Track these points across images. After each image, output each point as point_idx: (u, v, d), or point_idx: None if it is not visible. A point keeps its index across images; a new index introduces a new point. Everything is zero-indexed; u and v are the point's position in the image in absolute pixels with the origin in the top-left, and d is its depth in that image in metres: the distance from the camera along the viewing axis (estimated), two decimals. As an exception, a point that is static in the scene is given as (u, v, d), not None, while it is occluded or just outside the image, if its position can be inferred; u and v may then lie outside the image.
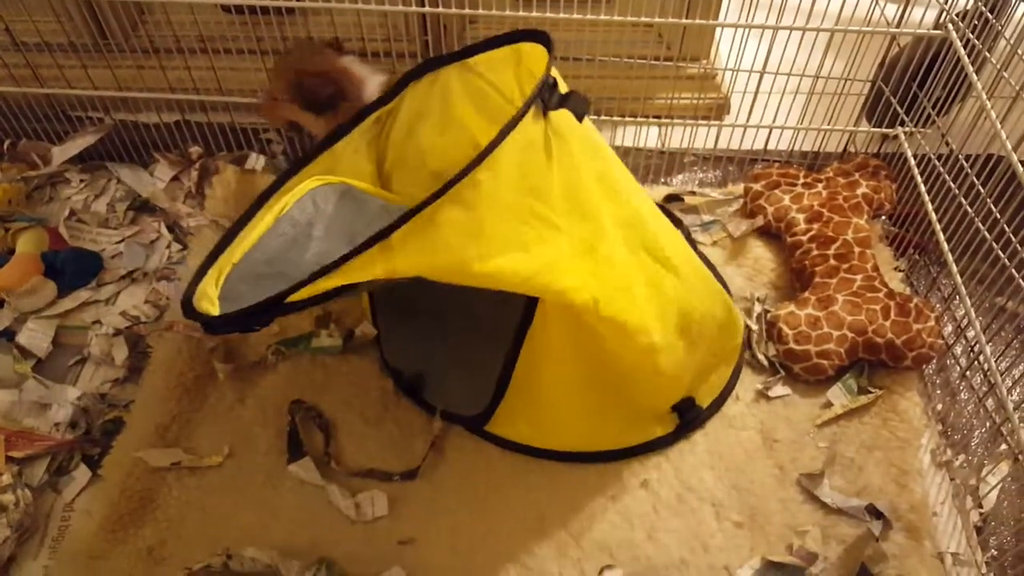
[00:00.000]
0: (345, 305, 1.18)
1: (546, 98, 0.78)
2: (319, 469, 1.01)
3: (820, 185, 1.26)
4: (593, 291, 0.84)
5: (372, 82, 1.09)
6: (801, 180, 1.27)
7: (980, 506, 1.03)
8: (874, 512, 0.98)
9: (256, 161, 1.40)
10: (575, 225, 0.84)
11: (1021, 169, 0.98)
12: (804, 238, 1.19)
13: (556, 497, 1.01)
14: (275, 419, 1.07)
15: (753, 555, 0.96)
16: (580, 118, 0.84)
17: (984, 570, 0.97)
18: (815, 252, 1.16)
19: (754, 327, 1.15)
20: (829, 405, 1.09)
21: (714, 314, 1.04)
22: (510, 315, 0.87)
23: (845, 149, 1.43)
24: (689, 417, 1.05)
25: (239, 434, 1.06)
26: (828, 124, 1.36)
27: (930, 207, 1.18)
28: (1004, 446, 1.07)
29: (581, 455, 1.03)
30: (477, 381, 1.00)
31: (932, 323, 1.09)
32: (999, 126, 1.04)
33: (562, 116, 0.81)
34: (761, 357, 1.13)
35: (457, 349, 1.02)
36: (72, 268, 1.25)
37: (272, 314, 0.72)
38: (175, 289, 1.23)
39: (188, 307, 0.77)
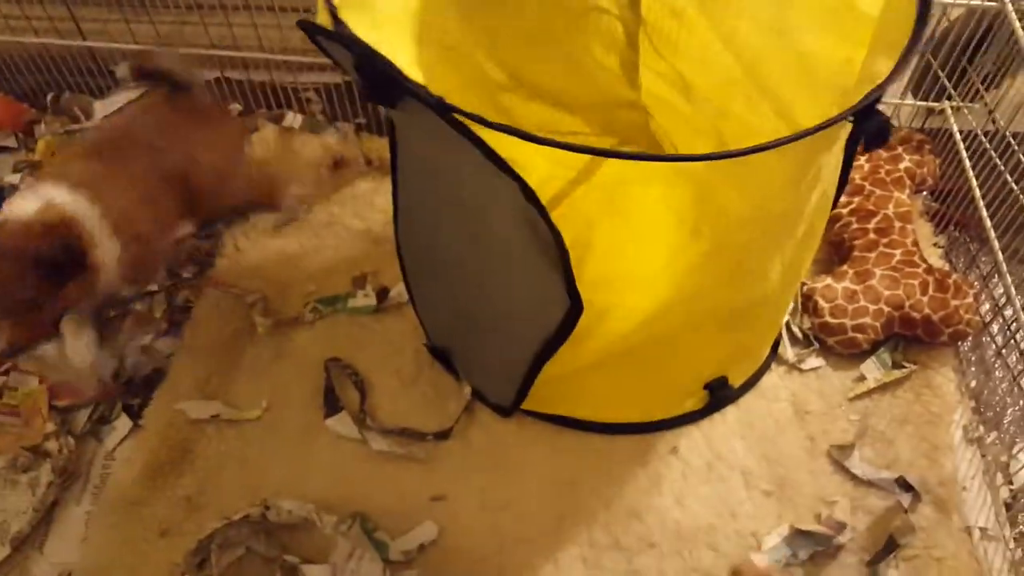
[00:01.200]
0: (380, 266, 1.19)
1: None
2: (355, 424, 1.03)
3: (863, 158, 1.24)
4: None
5: None
6: (842, 152, 1.26)
7: (1010, 483, 1.03)
8: (904, 485, 0.99)
9: (294, 119, 1.40)
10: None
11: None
12: (844, 211, 1.17)
13: (585, 462, 1.02)
14: (312, 376, 1.09)
15: (781, 523, 0.97)
16: None
17: (1012, 545, 0.97)
18: (855, 225, 1.15)
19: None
20: (862, 378, 1.09)
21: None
22: (549, 314, 0.82)
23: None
24: (720, 395, 1.05)
25: (277, 389, 1.08)
26: (872, 96, 1.33)
27: (974, 183, 1.16)
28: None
29: (610, 426, 1.04)
30: (504, 373, 0.99)
31: (970, 300, 1.07)
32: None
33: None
34: (796, 329, 1.12)
35: (486, 336, 0.99)
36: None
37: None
38: (216, 247, 1.24)
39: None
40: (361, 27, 0.73)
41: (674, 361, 0.98)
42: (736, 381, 1.06)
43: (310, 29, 0.68)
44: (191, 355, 1.12)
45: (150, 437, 1.04)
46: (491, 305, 0.91)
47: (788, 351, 1.11)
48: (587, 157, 0.62)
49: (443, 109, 0.64)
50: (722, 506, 0.99)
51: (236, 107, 1.43)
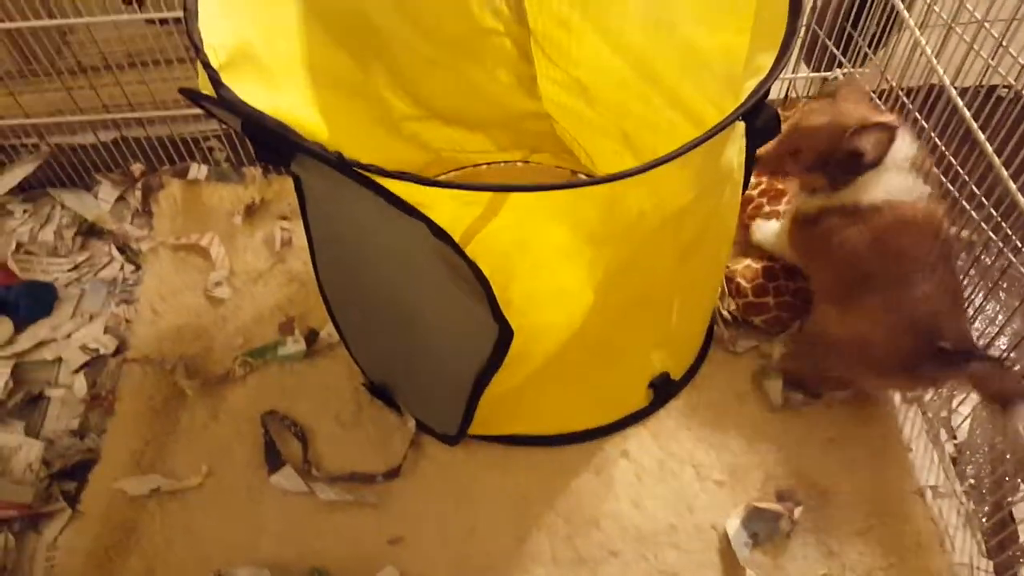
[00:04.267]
0: (306, 308, 1.17)
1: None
2: (300, 477, 1.01)
3: (768, 137, 1.26)
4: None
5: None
6: (749, 133, 1.28)
7: (954, 437, 1.06)
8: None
9: (199, 171, 1.37)
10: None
11: (955, 93, 0.99)
12: (754, 192, 1.19)
13: (539, 477, 1.02)
14: (250, 432, 1.06)
15: (738, 510, 0.98)
16: None
17: (964, 499, 0.99)
18: (766, 208, 1.17)
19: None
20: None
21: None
22: (481, 342, 0.81)
23: (787, 96, 1.43)
24: (664, 391, 1.05)
25: (216, 452, 1.05)
26: (770, 74, 1.35)
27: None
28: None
29: (559, 437, 1.04)
30: (446, 403, 0.98)
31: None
32: (933, 59, 1.05)
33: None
34: (725, 313, 1.14)
35: (423, 369, 0.98)
36: (26, 302, 1.22)
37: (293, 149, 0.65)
38: (134, 313, 1.20)
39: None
40: (250, 84, 0.71)
41: (614, 367, 0.99)
42: (677, 374, 1.07)
43: (192, 96, 0.66)
44: (123, 431, 1.08)
45: (91, 522, 1.00)
46: (423, 339, 0.90)
47: (723, 335, 1.12)
48: (489, 193, 0.62)
49: (342, 165, 0.63)
50: (679, 503, 0.99)
51: (139, 167, 1.39)
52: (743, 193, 0.96)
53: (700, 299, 1.01)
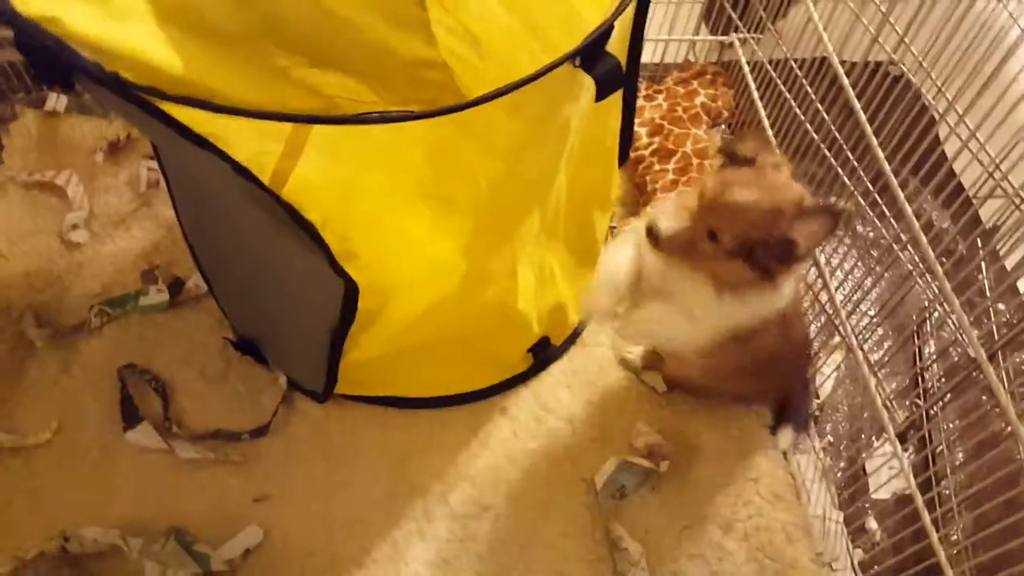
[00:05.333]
0: (172, 257, 1.10)
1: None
2: (159, 434, 0.96)
3: (660, 97, 1.26)
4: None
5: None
6: (642, 92, 1.27)
7: (817, 396, 1.10)
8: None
9: (58, 101, 1.25)
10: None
11: (842, 69, 1.01)
12: (646, 152, 1.19)
13: (416, 438, 1.00)
14: (106, 387, 0.99)
15: (608, 464, 0.99)
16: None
17: (821, 456, 1.04)
18: (656, 167, 1.17)
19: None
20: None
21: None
22: (330, 296, 0.77)
23: (686, 59, 1.44)
24: (544, 356, 1.05)
25: (67, 407, 0.98)
26: (666, 34, 1.35)
27: (763, 112, 1.21)
28: (837, 337, 1.14)
29: (438, 399, 1.02)
30: (308, 358, 0.94)
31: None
32: (821, 29, 1.06)
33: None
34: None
35: (283, 322, 0.93)
36: None
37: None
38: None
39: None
40: (83, 8, 0.64)
41: (490, 332, 0.97)
42: (559, 339, 1.07)
43: None
44: (-39, 382, 0.99)
45: (-76, 481, 0.92)
46: (281, 294, 0.85)
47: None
48: (289, 127, 0.58)
49: (119, 85, 0.56)
50: (553, 458, 1.00)
51: (-13, 93, 1.26)
52: (628, 150, 0.96)
53: (573, 260, 1.00)
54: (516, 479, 0.98)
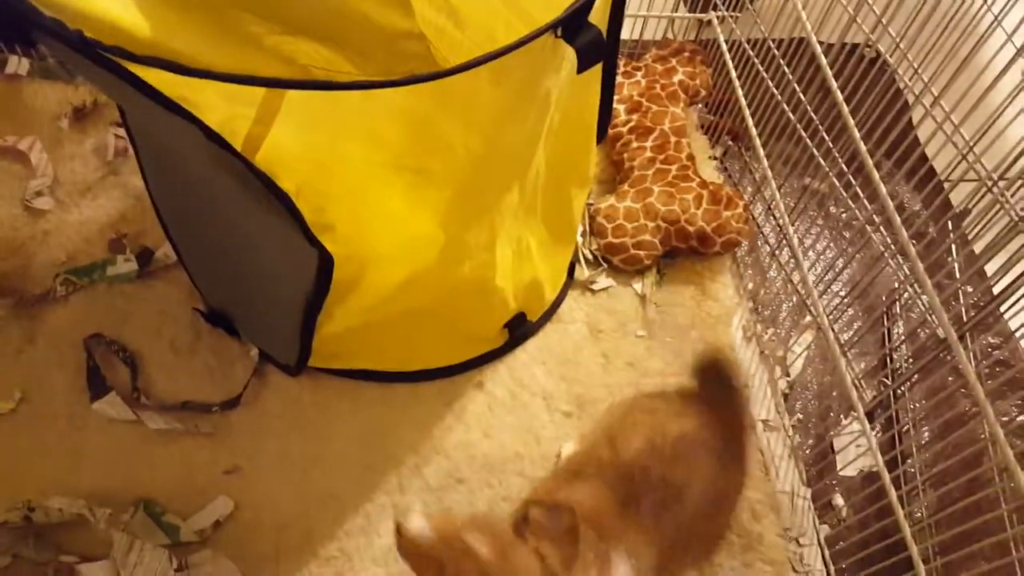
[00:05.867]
0: (142, 227, 1.07)
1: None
2: (127, 404, 0.94)
3: (639, 74, 1.25)
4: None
5: None
6: (621, 69, 1.26)
7: (787, 374, 1.12)
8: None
9: (19, 65, 1.21)
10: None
11: (820, 49, 1.01)
12: (624, 129, 1.19)
13: (390, 411, 0.99)
14: (72, 357, 0.97)
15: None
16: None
17: (791, 432, 1.06)
18: (634, 144, 1.17)
19: (579, 222, 1.16)
20: (646, 294, 1.12)
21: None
22: (304, 267, 0.76)
23: (664, 36, 1.43)
24: (520, 332, 1.05)
25: (32, 377, 0.96)
26: (645, 10, 1.34)
27: (740, 92, 1.21)
28: (808, 317, 1.15)
29: (412, 374, 1.01)
30: (281, 330, 0.93)
31: (740, 210, 1.13)
32: (800, 9, 1.07)
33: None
34: (586, 251, 1.14)
35: (256, 293, 0.92)
36: None
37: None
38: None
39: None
40: None
41: (466, 307, 0.96)
42: (534, 315, 1.06)
43: None
44: (-80, 351, 0.96)
45: None
46: (254, 264, 0.84)
47: (583, 273, 1.13)
48: (261, 92, 0.56)
49: (85, 45, 0.54)
50: (527, 432, 1.00)
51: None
52: (607, 127, 0.96)
53: (550, 236, 1.00)
54: (490, 453, 0.98)
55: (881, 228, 1.14)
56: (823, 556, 0.96)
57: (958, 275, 1.15)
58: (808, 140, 1.10)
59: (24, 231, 1.06)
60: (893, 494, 0.87)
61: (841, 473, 1.03)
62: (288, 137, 0.65)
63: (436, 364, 1.02)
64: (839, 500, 1.02)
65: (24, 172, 1.11)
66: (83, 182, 1.12)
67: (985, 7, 0.94)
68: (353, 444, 0.97)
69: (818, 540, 0.97)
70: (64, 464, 0.91)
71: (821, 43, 1.02)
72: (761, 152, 1.15)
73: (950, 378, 1.09)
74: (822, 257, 1.24)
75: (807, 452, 1.05)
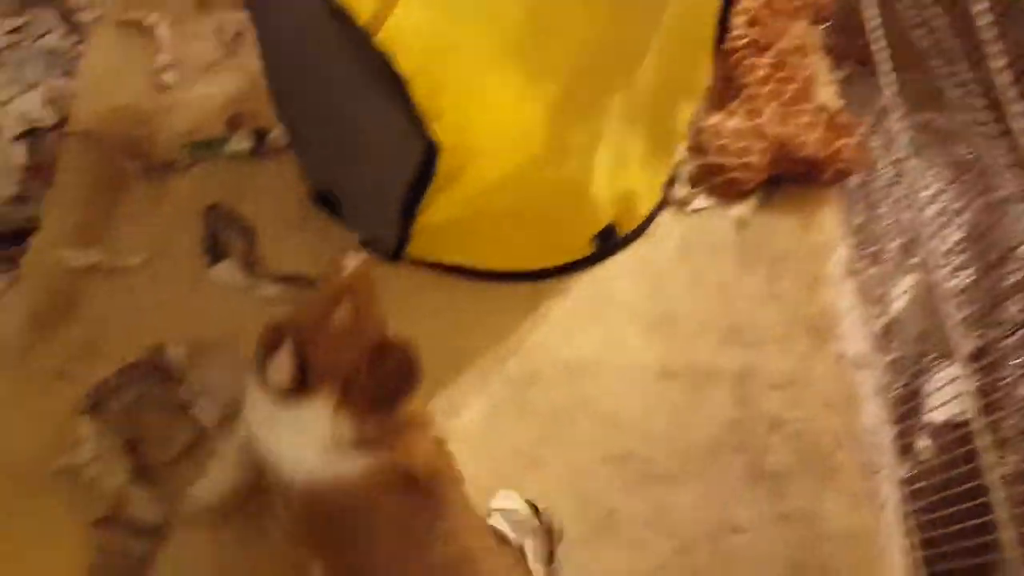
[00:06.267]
0: (257, 108, 1.12)
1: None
2: (241, 271, 1.01)
3: (761, -12, 1.19)
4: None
5: None
6: (744, -19, 1.20)
7: (885, 314, 1.08)
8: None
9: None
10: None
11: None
12: (738, 44, 1.14)
13: (475, 302, 1.02)
14: (193, 223, 1.05)
15: (668, 354, 1.00)
16: None
17: (881, 371, 1.03)
18: (749, 60, 1.12)
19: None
20: (742, 219, 1.10)
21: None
22: (410, 152, 0.78)
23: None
24: (608, 244, 1.05)
25: (157, 237, 1.04)
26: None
27: (871, 12, 1.13)
28: (915, 259, 1.11)
29: (503, 274, 1.04)
30: (385, 216, 0.95)
31: (856, 139, 1.08)
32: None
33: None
34: (686, 169, 1.12)
35: (361, 177, 0.95)
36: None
37: None
38: (76, 87, 1.14)
39: None
40: None
41: (559, 212, 0.97)
42: (627, 228, 1.06)
43: None
44: (62, 202, 1.06)
45: (32, 286, 1.00)
46: (361, 147, 0.87)
47: (678, 192, 1.11)
48: None
49: None
50: (607, 342, 1.01)
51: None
52: (723, 38, 0.92)
53: (649, 148, 0.98)
54: (569, 356, 1.00)
55: (1007, 172, 1.08)
56: (900, 494, 0.95)
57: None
58: (940, 71, 1.03)
59: (151, 103, 1.13)
60: (985, 439, 0.85)
61: (927, 417, 1.00)
62: (410, 18, 0.66)
63: (524, 267, 1.04)
64: (922, 442, 0.99)
65: (151, 47, 1.17)
66: (204, 61, 1.18)
67: None
68: (437, 329, 1.00)
69: (897, 478, 0.96)
70: (181, 321, 0.99)
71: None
72: (888, 79, 1.09)
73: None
74: (938, 199, 1.18)
75: (896, 392, 1.03)
